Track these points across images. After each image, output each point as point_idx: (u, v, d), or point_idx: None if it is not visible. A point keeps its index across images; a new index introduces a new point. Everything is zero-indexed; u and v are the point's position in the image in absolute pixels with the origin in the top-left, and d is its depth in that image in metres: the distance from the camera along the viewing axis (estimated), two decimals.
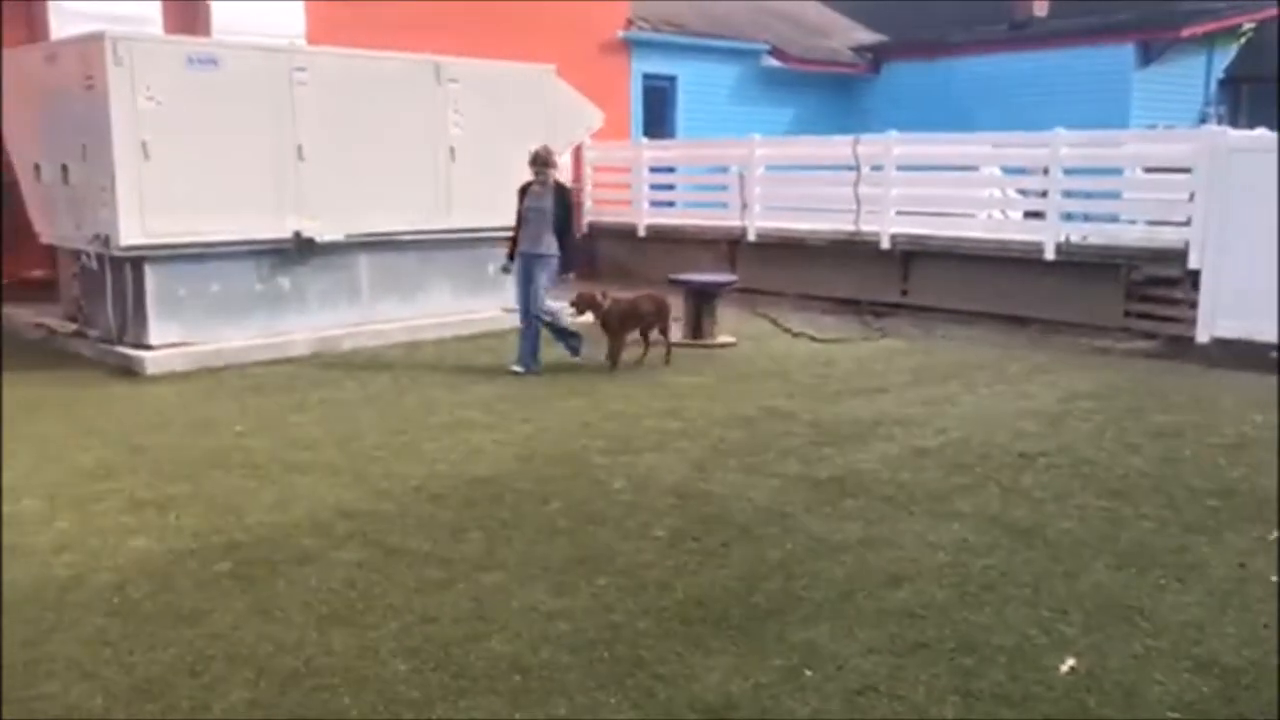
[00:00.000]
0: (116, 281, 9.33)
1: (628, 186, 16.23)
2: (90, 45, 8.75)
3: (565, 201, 9.19)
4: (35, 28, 11.20)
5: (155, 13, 11.67)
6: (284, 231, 9.87)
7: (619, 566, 4.92)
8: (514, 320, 11.43)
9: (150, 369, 8.98)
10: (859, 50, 20.76)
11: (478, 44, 12.94)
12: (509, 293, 11.70)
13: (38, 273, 11.52)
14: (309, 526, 5.44)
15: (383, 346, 10.30)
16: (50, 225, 10.07)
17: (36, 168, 9.91)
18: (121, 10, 10.80)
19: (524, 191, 9.21)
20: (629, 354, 9.54)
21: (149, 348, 9.17)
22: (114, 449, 6.83)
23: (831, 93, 20.17)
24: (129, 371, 9.07)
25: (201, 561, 4.98)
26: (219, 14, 12.05)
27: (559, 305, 9.55)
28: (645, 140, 16.21)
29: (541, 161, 9.08)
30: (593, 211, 16.45)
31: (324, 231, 10.06)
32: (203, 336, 9.49)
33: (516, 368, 9.16)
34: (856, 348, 10.51)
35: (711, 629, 4.30)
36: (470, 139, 11.01)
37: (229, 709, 3.68)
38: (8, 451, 6.66)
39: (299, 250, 9.99)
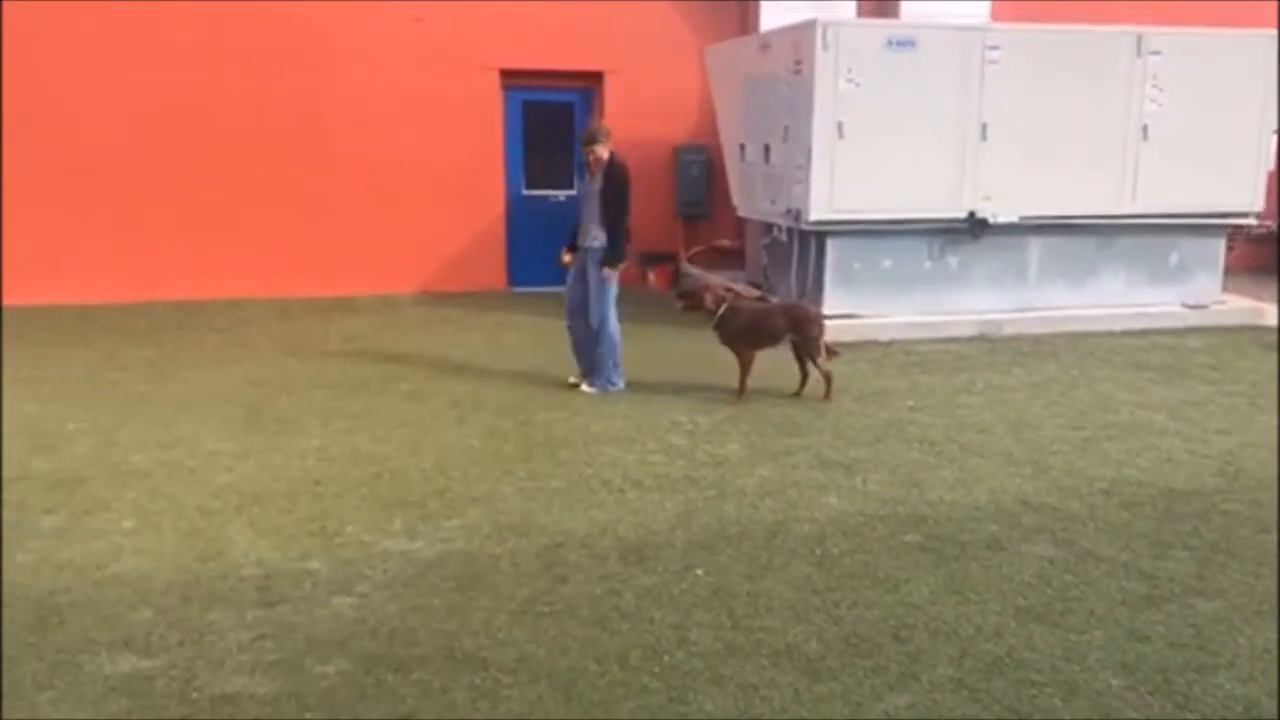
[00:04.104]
0: (801, 253, 10.04)
1: None
2: (802, 32, 9.43)
3: (616, 182, 7.52)
4: (747, 22, 12.40)
5: (850, 4, 12.26)
6: (958, 211, 9.85)
7: None
8: (1193, 318, 10.39)
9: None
10: None
11: (1185, 11, 11.73)
12: (1193, 285, 10.63)
13: (726, 242, 12.87)
14: (993, 512, 5.34)
15: (1046, 334, 9.86)
16: (747, 199, 11.13)
17: (741, 148, 11.00)
18: (824, 4, 11.49)
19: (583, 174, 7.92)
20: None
21: (824, 316, 9.73)
22: (796, 407, 7.34)
23: None
24: None
25: (891, 528, 5.12)
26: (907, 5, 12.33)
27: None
28: None
29: (582, 140, 7.64)
30: None
31: (998, 212, 9.86)
32: (870, 310, 9.86)
33: (585, 387, 7.70)
34: None
35: None
36: (1168, 116, 10.03)
37: (935, 682, 3.70)
38: (710, 399, 7.49)
39: (971, 230, 9.91)
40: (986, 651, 3.92)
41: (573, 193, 12.93)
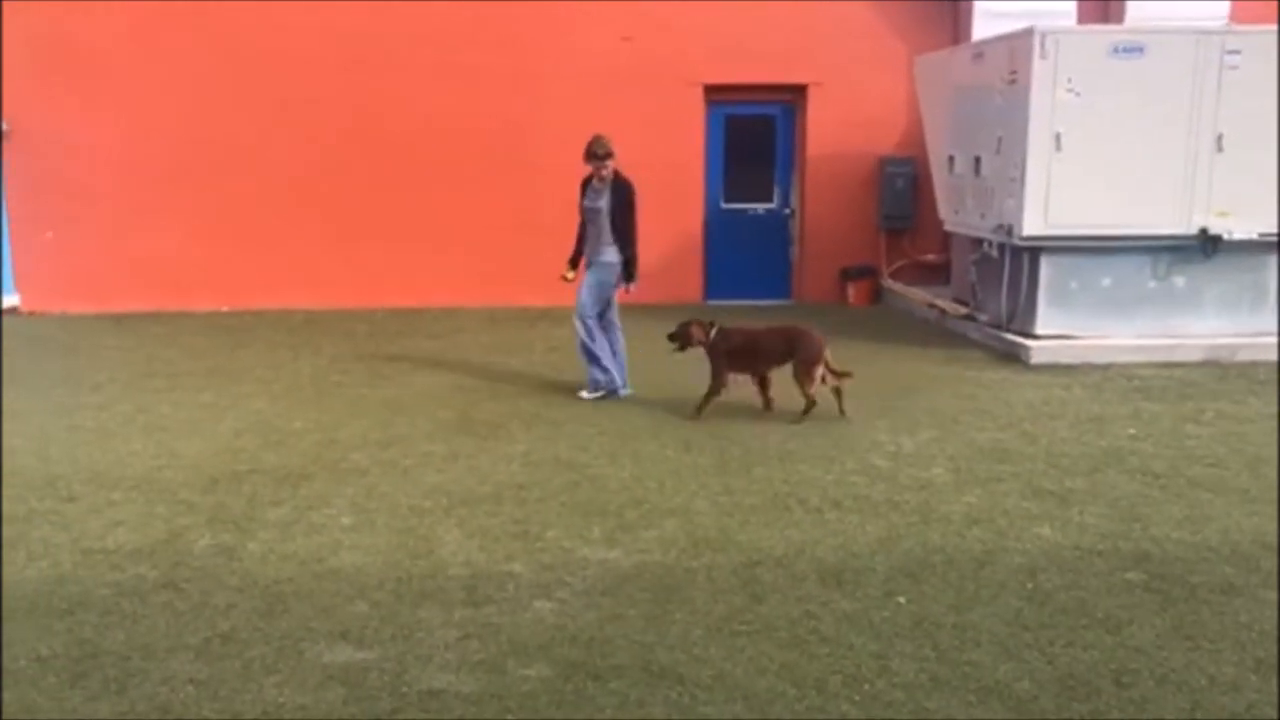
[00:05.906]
0: (1013, 270, 9.60)
1: None
2: (1018, 41, 9.05)
3: (623, 199, 7.67)
4: (958, 31, 12.02)
5: (1070, 9, 11.67)
6: (1187, 227, 9.21)
7: None
8: None
9: (1035, 358, 9.10)
10: None
11: None
12: None
13: (931, 257, 12.50)
14: (1227, 554, 4.93)
15: None
16: (954, 213, 10.76)
17: (950, 159, 10.65)
18: (1041, 8, 10.99)
19: (584, 188, 7.88)
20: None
21: (1035, 337, 9.31)
22: (1006, 432, 7.02)
23: None
24: (1013, 358, 9.30)
25: (1110, 565, 4.81)
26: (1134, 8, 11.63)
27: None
28: None
29: (593, 154, 7.60)
30: None
31: (1234, 229, 9.16)
32: (1087, 330, 9.34)
33: (584, 394, 7.93)
34: None
35: None
36: None
37: None
38: (913, 420, 7.27)
39: (1201, 248, 9.25)
40: (1222, 705, 3.61)
41: (771, 205, 12.90)
